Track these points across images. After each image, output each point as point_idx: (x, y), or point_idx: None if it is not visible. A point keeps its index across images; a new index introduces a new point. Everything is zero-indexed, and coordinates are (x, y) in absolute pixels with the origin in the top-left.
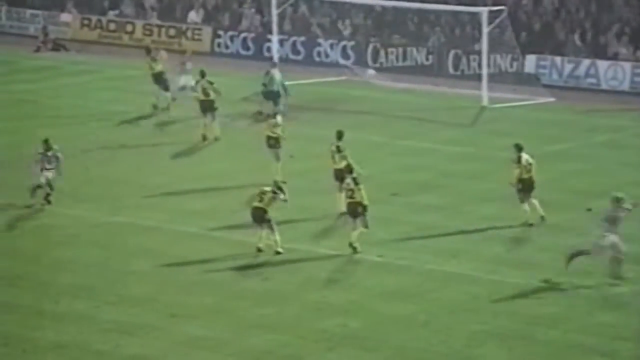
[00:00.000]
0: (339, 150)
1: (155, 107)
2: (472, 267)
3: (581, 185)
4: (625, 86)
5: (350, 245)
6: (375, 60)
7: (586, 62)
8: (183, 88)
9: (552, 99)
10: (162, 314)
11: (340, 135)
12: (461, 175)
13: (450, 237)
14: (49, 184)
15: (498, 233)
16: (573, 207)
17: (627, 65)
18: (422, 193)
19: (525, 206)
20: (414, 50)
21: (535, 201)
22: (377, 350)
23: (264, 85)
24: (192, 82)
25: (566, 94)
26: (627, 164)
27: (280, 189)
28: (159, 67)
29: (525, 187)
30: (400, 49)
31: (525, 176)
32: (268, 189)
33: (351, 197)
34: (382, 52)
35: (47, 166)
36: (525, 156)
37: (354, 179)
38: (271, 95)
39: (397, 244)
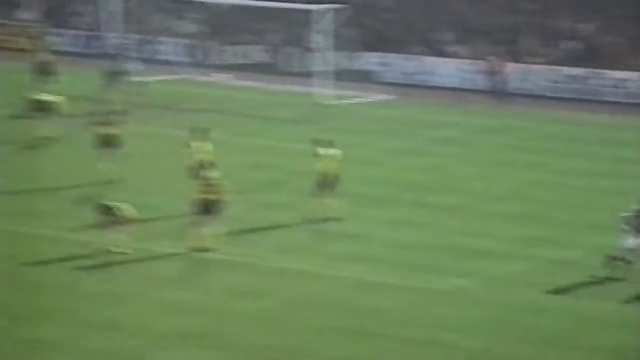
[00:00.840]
0: (193, 146)
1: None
2: (313, 263)
3: (419, 180)
4: (460, 83)
5: (205, 248)
6: (215, 58)
7: (424, 59)
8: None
9: (392, 96)
10: (3, 317)
11: (196, 132)
12: (302, 172)
13: (291, 233)
14: None
15: (337, 228)
16: (410, 202)
17: (461, 63)
18: (264, 191)
19: (325, 201)
20: (254, 48)
21: (333, 199)
22: (221, 348)
23: (112, 74)
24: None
25: (405, 91)
26: (463, 160)
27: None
28: (45, 57)
29: (329, 182)
30: (241, 47)
31: (331, 172)
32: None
33: (208, 193)
34: (222, 50)
35: None
36: (328, 151)
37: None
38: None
39: (239, 241)
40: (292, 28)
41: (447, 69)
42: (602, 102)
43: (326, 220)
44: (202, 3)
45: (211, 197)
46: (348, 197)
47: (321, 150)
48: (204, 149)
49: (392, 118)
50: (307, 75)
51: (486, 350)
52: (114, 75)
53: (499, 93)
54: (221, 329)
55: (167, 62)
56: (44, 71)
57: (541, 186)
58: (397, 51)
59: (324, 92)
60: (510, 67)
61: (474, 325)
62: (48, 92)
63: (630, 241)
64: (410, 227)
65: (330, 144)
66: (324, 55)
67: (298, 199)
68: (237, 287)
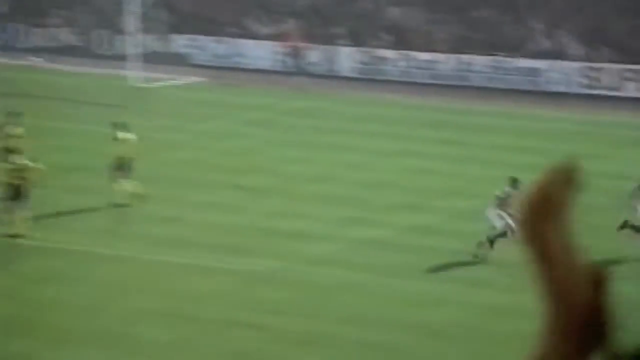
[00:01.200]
0: (6, 130)
1: None
2: (127, 247)
3: (233, 163)
4: (271, 65)
5: (15, 234)
6: (24, 41)
7: (235, 42)
8: None
9: (204, 79)
10: None
11: (9, 116)
12: (112, 156)
13: (103, 218)
14: None
15: (151, 212)
16: (225, 184)
17: (274, 45)
18: (75, 175)
19: (120, 185)
20: (65, 30)
21: (130, 181)
22: (32, 335)
23: None
24: None
25: (217, 74)
26: (276, 142)
27: None
28: None
29: (126, 165)
30: (50, 30)
31: (125, 155)
32: None
33: (17, 178)
34: (30, 33)
35: None
36: (126, 135)
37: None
38: None
39: (50, 226)
40: (102, 10)
41: (259, 51)
42: (410, 84)
43: (136, 203)
44: None
45: (19, 182)
46: (162, 180)
47: (120, 134)
48: (15, 133)
49: (205, 101)
50: (119, 58)
51: (304, 331)
52: None
53: (304, 75)
54: (35, 316)
55: None
56: None
57: (352, 167)
58: (208, 33)
59: (136, 75)
60: (320, 49)
61: (291, 306)
62: None
63: (500, 222)
64: (224, 209)
65: (125, 127)
66: (136, 38)
67: (109, 183)
68: (49, 273)
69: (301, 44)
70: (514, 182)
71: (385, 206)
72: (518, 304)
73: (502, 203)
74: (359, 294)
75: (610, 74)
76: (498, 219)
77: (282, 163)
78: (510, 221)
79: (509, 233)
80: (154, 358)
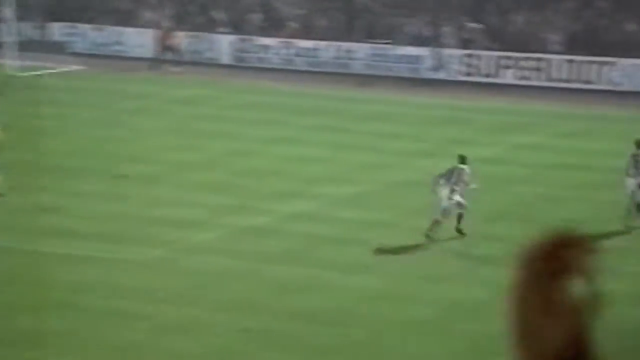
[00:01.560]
0: None
1: None
2: (6, 238)
3: (114, 151)
4: (150, 53)
5: None
6: None
7: (114, 29)
8: None
9: (82, 67)
10: None
11: None
12: None
13: None
14: None
15: (32, 202)
16: (106, 173)
17: (151, 33)
18: None
19: None
20: None
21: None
22: None
23: None
24: None
25: (96, 62)
26: (156, 130)
27: None
28: None
29: None
30: None
31: None
32: None
33: None
34: None
35: None
36: None
37: None
38: None
39: None
40: None
41: (138, 39)
42: (291, 71)
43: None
44: None
45: None
46: (41, 169)
47: None
48: None
49: (84, 89)
50: None
51: (183, 319)
52: None
53: (183, 62)
54: None
55: None
56: None
57: (234, 155)
58: (87, 21)
59: (14, 63)
60: (200, 37)
61: (171, 294)
62: None
63: (448, 202)
64: (105, 198)
65: None
66: (13, 26)
67: None
68: None
69: (177, 34)
70: (462, 159)
71: (267, 194)
72: (396, 289)
73: (451, 182)
74: (240, 281)
75: (488, 61)
76: (447, 199)
77: (163, 151)
78: (459, 198)
79: (457, 209)
80: (33, 350)
